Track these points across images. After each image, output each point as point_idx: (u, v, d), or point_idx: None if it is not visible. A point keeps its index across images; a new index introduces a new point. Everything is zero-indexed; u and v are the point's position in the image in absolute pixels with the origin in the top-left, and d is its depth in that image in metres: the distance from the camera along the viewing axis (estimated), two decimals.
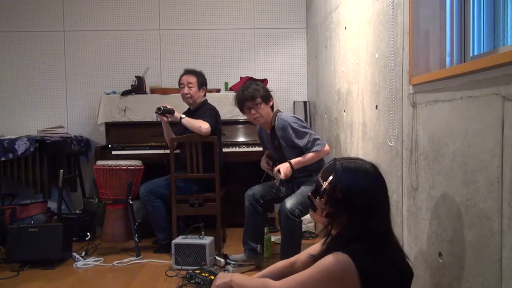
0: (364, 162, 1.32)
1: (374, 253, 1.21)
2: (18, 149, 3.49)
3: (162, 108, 3.15)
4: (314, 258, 1.33)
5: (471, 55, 1.47)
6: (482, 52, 1.43)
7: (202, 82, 3.36)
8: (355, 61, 2.41)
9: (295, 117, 2.80)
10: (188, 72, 3.35)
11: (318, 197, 1.32)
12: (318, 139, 2.69)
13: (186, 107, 3.43)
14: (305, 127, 2.73)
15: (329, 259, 1.18)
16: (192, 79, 3.31)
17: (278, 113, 2.83)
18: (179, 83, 3.36)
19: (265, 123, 2.84)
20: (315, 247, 1.48)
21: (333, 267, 1.16)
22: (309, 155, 2.66)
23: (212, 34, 4.37)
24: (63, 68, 4.33)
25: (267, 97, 2.79)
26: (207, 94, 3.72)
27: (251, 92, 2.74)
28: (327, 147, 2.71)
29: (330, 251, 1.23)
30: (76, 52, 4.32)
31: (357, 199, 1.25)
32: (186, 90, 3.29)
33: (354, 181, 1.26)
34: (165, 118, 3.21)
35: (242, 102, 2.78)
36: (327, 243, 1.34)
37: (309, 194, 1.37)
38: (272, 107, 2.85)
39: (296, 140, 2.68)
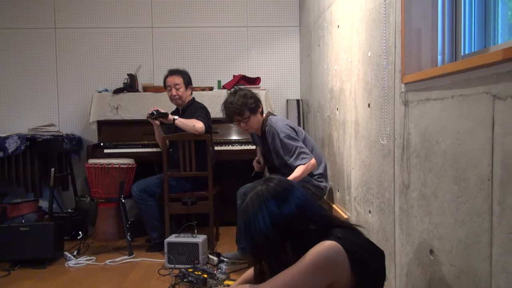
0: (279, 178, 1.29)
1: (350, 235, 1.22)
2: (8, 148, 3.45)
3: (155, 113, 3.13)
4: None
5: (462, 54, 1.48)
6: (473, 51, 1.44)
7: (188, 81, 3.34)
8: (348, 59, 2.42)
9: (286, 124, 2.72)
10: (172, 73, 3.31)
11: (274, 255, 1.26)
12: (304, 152, 2.60)
13: (173, 106, 3.42)
14: (293, 139, 2.63)
15: (317, 248, 1.15)
16: (178, 80, 3.28)
17: (269, 118, 2.78)
18: (165, 85, 3.33)
19: (256, 130, 2.84)
20: None
21: (323, 253, 1.14)
22: (298, 171, 2.54)
23: (205, 32, 4.36)
24: (54, 65, 4.29)
25: (255, 108, 2.72)
26: (200, 92, 3.72)
27: (238, 108, 2.67)
28: (313, 161, 2.61)
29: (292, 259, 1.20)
30: (67, 50, 4.29)
31: (285, 217, 1.21)
32: (174, 92, 3.27)
33: (277, 200, 1.23)
34: (157, 122, 3.20)
35: (230, 117, 2.75)
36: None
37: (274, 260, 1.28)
38: (261, 112, 2.82)
39: (282, 153, 2.64)
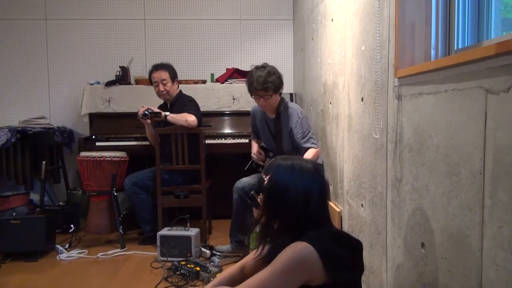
0: (304, 160, 1.35)
1: (325, 235, 1.25)
2: None
3: (148, 113, 3.10)
4: (264, 256, 1.34)
5: (455, 48, 1.49)
6: (466, 45, 1.44)
7: (174, 74, 3.32)
8: (342, 53, 2.42)
9: (302, 109, 2.88)
10: (157, 67, 3.27)
11: (260, 194, 1.34)
12: (314, 138, 2.76)
13: (160, 100, 3.39)
14: (307, 123, 2.80)
15: (289, 250, 1.18)
16: (165, 75, 3.25)
17: (285, 101, 2.87)
18: (151, 81, 3.30)
19: (272, 109, 2.84)
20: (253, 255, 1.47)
21: (295, 255, 1.16)
22: (311, 154, 2.68)
23: (197, 25, 4.32)
24: (45, 57, 4.24)
25: (279, 87, 2.77)
26: (193, 85, 3.69)
27: (265, 83, 2.67)
28: (318, 150, 2.77)
29: (278, 240, 1.24)
30: (58, 41, 4.23)
31: (289, 187, 1.27)
32: (161, 87, 3.25)
33: (288, 171, 1.29)
34: (148, 121, 3.18)
35: (254, 90, 2.72)
36: (274, 240, 1.34)
37: (252, 192, 1.40)
38: (280, 93, 2.85)
39: (295, 132, 2.73)
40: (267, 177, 1.32)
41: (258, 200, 1.35)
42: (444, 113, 1.27)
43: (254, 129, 3.10)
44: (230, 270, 1.50)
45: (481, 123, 1.08)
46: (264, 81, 2.67)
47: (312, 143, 2.71)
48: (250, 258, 1.48)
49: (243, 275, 1.43)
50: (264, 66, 2.76)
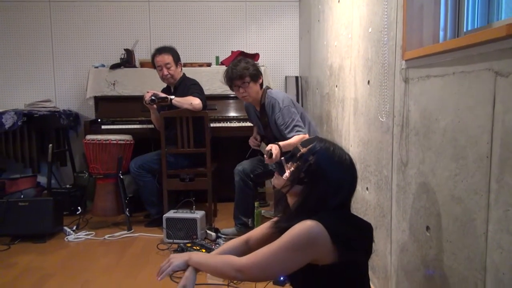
0: (343, 151, 1.32)
1: (337, 216, 1.24)
2: (5, 123, 3.43)
3: (155, 98, 3.09)
4: (277, 227, 1.32)
5: (465, 30, 1.46)
6: (476, 27, 1.42)
7: (177, 58, 3.29)
8: (348, 35, 2.39)
9: (286, 97, 2.76)
10: (160, 51, 3.24)
11: (291, 162, 1.31)
12: (299, 125, 2.64)
13: (163, 83, 3.38)
14: (291, 111, 2.66)
15: (297, 227, 1.17)
16: (168, 58, 3.22)
17: (268, 90, 2.81)
18: (154, 65, 3.27)
19: (253, 100, 2.83)
20: (267, 224, 1.46)
21: (305, 232, 1.15)
22: (294, 140, 2.57)
23: (202, 7, 4.27)
24: (50, 40, 4.22)
25: (256, 75, 2.75)
26: (198, 68, 3.67)
27: (240, 71, 2.69)
28: (307, 136, 2.64)
29: (293, 219, 1.23)
30: (62, 24, 4.21)
31: (326, 174, 1.25)
32: (165, 71, 3.23)
33: (329, 158, 1.27)
34: (155, 106, 3.17)
35: (230, 80, 2.75)
36: (287, 213, 1.33)
37: (283, 158, 1.35)
38: (261, 84, 2.82)
39: (279, 123, 2.67)
40: (305, 149, 1.28)
41: (286, 168, 1.31)
42: (452, 96, 1.26)
43: (252, 122, 3.16)
44: (235, 241, 1.48)
45: (490, 106, 1.06)
46: (238, 70, 2.70)
47: (297, 131, 2.61)
48: (255, 232, 1.48)
49: (247, 248, 1.44)
50: (240, 59, 2.80)
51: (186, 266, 1.33)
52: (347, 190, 1.28)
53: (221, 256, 1.35)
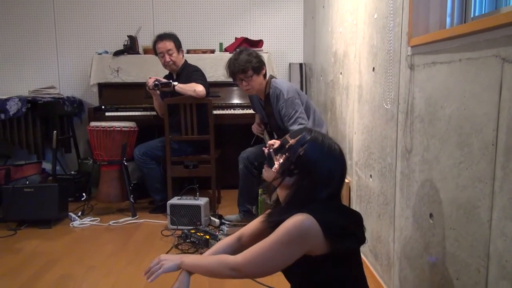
0: (332, 141, 1.31)
1: (328, 207, 1.24)
2: (9, 110, 3.44)
3: (158, 83, 3.08)
4: (269, 222, 1.32)
5: (472, 15, 1.44)
6: (483, 12, 1.39)
7: (178, 44, 3.28)
8: (353, 21, 2.36)
9: (291, 87, 2.74)
10: (162, 37, 3.22)
11: (279, 154, 1.30)
12: (302, 118, 2.63)
13: (165, 70, 3.36)
14: (295, 103, 2.64)
15: (289, 221, 1.18)
16: (170, 45, 3.21)
17: (273, 80, 2.78)
18: (156, 52, 3.25)
19: (257, 92, 2.81)
20: (259, 219, 1.46)
21: (297, 226, 1.16)
22: None
23: None
24: (53, 27, 4.20)
25: (259, 67, 2.70)
26: (201, 55, 3.64)
27: (243, 65, 2.65)
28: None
29: (284, 213, 1.23)
30: (66, 10, 4.18)
31: (317, 164, 1.24)
32: (167, 58, 3.21)
33: (319, 148, 1.26)
34: (158, 92, 3.16)
35: (233, 74, 2.72)
36: (278, 207, 1.33)
37: (271, 150, 1.33)
38: (264, 75, 2.79)
39: (283, 112, 2.65)
40: (294, 140, 1.28)
41: (275, 160, 1.31)
42: (458, 83, 1.24)
43: (254, 109, 3.15)
44: (227, 239, 1.47)
45: (496, 93, 1.05)
46: (240, 63, 2.65)
47: (300, 124, 2.60)
48: (247, 228, 1.47)
49: (240, 245, 1.43)
50: (241, 50, 2.74)
51: (178, 269, 1.30)
52: (338, 180, 1.28)
53: (214, 256, 1.32)
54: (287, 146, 1.29)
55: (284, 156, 1.28)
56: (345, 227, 1.23)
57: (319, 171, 1.24)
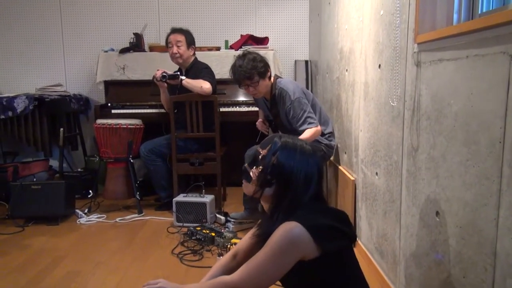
0: (303, 142, 1.33)
1: (313, 211, 1.25)
2: (17, 107, 3.47)
3: (166, 75, 3.10)
4: (258, 235, 1.33)
5: (479, 12, 1.42)
6: (491, 8, 1.38)
7: (190, 40, 3.28)
8: (359, 18, 2.35)
9: (297, 87, 2.70)
10: (175, 30, 3.25)
11: (254, 167, 1.32)
12: (311, 117, 2.60)
13: (174, 66, 3.37)
14: (302, 103, 2.62)
15: (278, 232, 1.19)
16: (181, 38, 3.22)
17: (278, 80, 2.75)
18: (167, 43, 3.27)
19: (264, 94, 2.80)
20: (251, 233, 1.46)
21: (287, 236, 1.18)
22: (307, 134, 2.56)
23: None
24: (59, 24, 4.22)
25: (264, 72, 2.67)
26: (207, 52, 3.64)
27: (248, 71, 2.61)
28: (319, 128, 2.63)
29: (272, 224, 1.24)
30: (72, 8, 4.20)
31: (292, 170, 1.26)
32: (175, 49, 3.22)
33: (291, 152, 1.28)
34: (165, 84, 3.17)
35: (239, 81, 2.69)
36: (265, 219, 1.34)
37: (246, 165, 1.35)
38: (269, 77, 2.76)
39: (291, 114, 2.63)
40: (264, 151, 1.30)
41: (251, 174, 1.33)
42: (465, 80, 1.23)
43: (258, 106, 3.13)
44: (222, 260, 1.49)
45: (503, 90, 1.04)
46: (245, 70, 2.60)
47: (309, 123, 2.58)
48: (241, 244, 1.48)
49: (236, 263, 1.44)
50: (245, 54, 2.69)
51: None
52: (316, 180, 1.29)
53: (211, 281, 1.33)
54: (260, 158, 1.31)
55: (259, 168, 1.30)
56: (332, 227, 1.24)
57: (296, 176, 1.26)
